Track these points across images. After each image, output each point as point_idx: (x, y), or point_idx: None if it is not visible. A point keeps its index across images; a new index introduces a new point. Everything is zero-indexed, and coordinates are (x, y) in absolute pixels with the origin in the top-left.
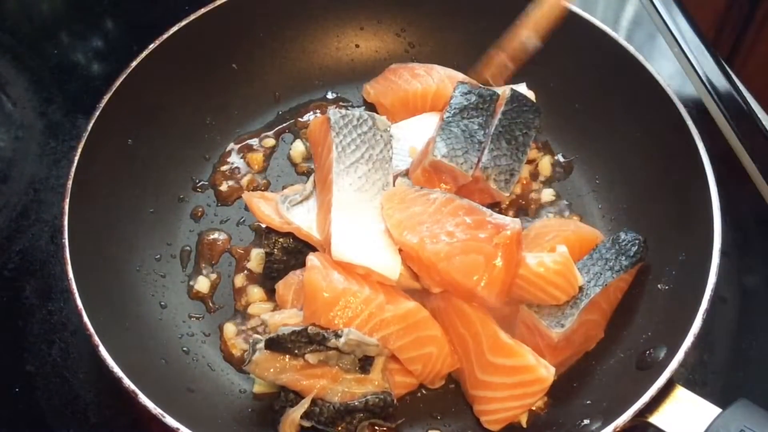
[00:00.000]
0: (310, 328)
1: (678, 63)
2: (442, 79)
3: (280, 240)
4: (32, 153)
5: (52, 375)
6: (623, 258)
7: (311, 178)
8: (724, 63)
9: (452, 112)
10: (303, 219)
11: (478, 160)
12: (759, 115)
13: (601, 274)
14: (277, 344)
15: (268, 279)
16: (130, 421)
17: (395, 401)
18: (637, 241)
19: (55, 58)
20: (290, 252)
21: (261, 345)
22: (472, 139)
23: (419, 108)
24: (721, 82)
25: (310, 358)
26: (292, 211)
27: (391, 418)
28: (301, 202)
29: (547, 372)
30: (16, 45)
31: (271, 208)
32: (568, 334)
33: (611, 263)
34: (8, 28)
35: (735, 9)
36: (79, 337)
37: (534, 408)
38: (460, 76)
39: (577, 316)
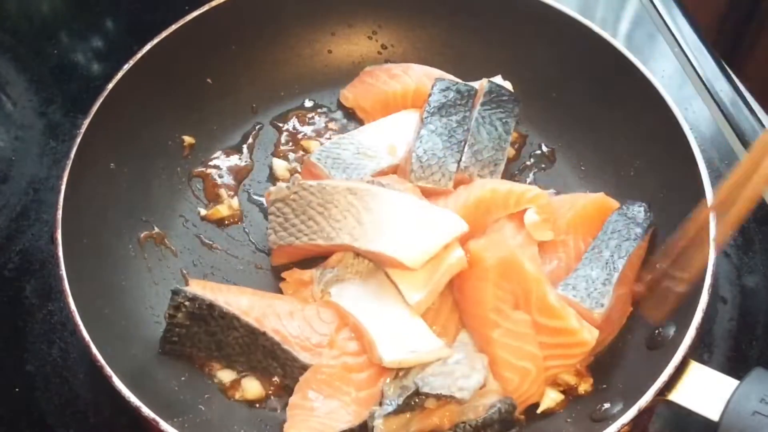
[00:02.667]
0: (421, 390)
1: (678, 63)
2: (419, 78)
3: (186, 303)
4: (32, 153)
5: (52, 375)
6: (634, 226)
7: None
8: (724, 63)
9: (431, 110)
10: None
11: (459, 160)
12: (759, 115)
13: (620, 245)
14: (395, 413)
15: (167, 343)
16: (130, 421)
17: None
18: (642, 208)
19: (55, 58)
20: (195, 317)
21: (380, 415)
22: (451, 139)
23: (400, 108)
24: (721, 82)
25: (429, 404)
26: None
27: (514, 424)
28: (335, 280)
29: (590, 335)
30: (16, 45)
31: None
32: (607, 312)
33: (625, 233)
34: (8, 28)
35: (735, 9)
36: (78, 337)
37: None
38: (437, 72)
39: (612, 291)
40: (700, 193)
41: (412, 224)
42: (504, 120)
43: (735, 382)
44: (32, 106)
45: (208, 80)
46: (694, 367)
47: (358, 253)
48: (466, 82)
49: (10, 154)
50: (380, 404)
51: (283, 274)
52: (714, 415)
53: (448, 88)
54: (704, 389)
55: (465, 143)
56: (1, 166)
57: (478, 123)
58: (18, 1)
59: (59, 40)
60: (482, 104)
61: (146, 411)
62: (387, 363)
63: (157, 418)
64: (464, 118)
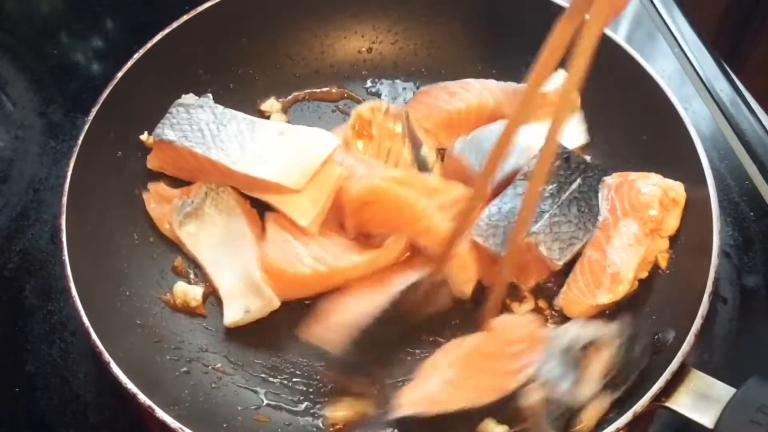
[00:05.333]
0: None
1: (678, 63)
2: (480, 92)
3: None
4: (32, 153)
5: (52, 375)
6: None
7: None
8: (724, 63)
9: (527, 174)
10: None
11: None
12: (759, 115)
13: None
14: None
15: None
16: (130, 421)
17: None
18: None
19: (55, 58)
20: None
21: None
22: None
23: (464, 125)
24: (721, 82)
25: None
26: (185, 227)
27: None
28: (194, 213)
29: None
30: (16, 45)
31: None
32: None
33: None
34: (8, 28)
35: (735, 9)
36: (79, 337)
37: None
38: (493, 84)
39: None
40: (701, 194)
41: (289, 149)
42: (597, 197)
43: (732, 390)
44: (32, 106)
45: (218, 72)
46: (692, 374)
47: (225, 184)
48: (578, 154)
49: (10, 154)
50: None
51: (150, 185)
52: (709, 422)
53: (555, 156)
54: (701, 396)
55: (547, 213)
56: (1, 166)
57: (573, 197)
58: (18, 1)
59: (59, 40)
60: (584, 178)
61: (143, 398)
62: (227, 324)
63: (154, 405)
64: (560, 189)
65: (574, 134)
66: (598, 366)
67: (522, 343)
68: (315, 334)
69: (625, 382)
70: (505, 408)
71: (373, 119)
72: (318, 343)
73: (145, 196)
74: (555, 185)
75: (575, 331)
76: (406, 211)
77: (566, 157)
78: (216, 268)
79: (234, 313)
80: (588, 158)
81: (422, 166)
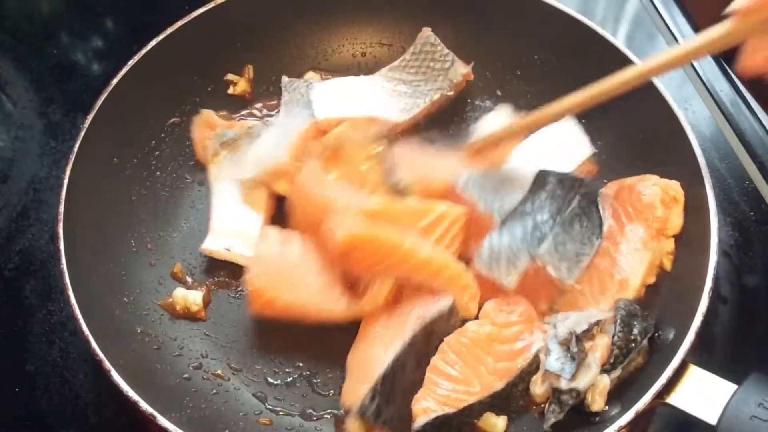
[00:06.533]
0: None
1: None
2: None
3: None
4: (32, 153)
5: (52, 375)
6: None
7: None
8: (724, 63)
9: (525, 199)
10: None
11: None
12: (759, 115)
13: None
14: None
15: None
16: (130, 421)
17: None
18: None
19: (55, 58)
20: None
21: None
22: (534, 232)
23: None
24: (721, 82)
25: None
26: (217, 155)
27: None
28: (231, 143)
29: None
30: (16, 45)
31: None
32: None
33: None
34: (8, 28)
35: None
36: (78, 337)
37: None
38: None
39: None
40: (701, 193)
41: (269, 141)
42: (597, 210)
43: (733, 387)
44: (32, 106)
45: (212, 78)
46: (693, 371)
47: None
48: (572, 174)
49: (10, 154)
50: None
51: (202, 113)
52: (712, 419)
53: (549, 181)
54: (702, 393)
55: (550, 235)
56: (1, 166)
57: (573, 215)
58: (18, 1)
59: (59, 40)
60: (583, 194)
61: (144, 406)
62: (202, 249)
63: (155, 413)
64: (559, 210)
65: (578, 148)
66: (599, 353)
67: (517, 325)
68: (344, 394)
69: (625, 360)
70: (503, 401)
71: (345, 145)
72: (347, 401)
73: (195, 119)
74: (554, 206)
75: (573, 319)
76: (394, 253)
77: (560, 179)
78: (222, 201)
79: (215, 244)
80: (582, 175)
81: (397, 190)
